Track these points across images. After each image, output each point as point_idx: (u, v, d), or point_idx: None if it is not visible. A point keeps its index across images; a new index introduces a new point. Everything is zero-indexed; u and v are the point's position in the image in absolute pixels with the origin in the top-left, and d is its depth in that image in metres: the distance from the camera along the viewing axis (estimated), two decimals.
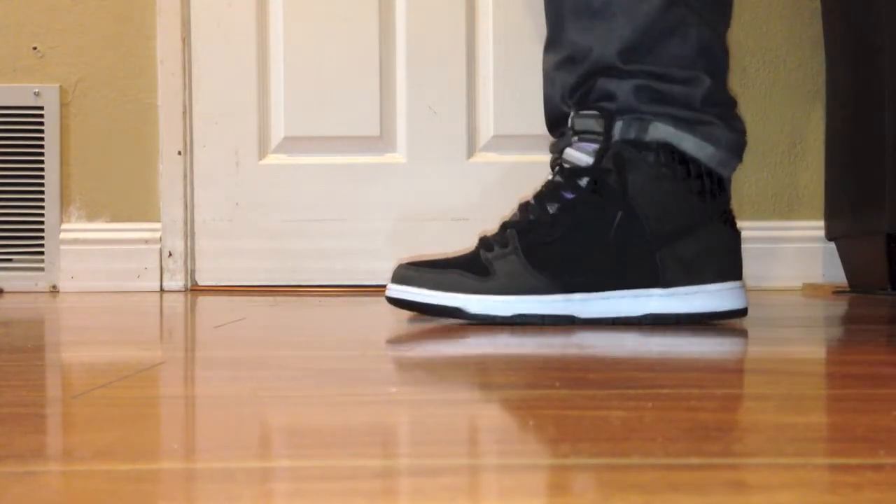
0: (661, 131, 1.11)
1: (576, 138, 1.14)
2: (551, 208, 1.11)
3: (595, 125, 1.12)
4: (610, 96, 1.12)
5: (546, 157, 1.30)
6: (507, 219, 1.16)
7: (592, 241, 1.09)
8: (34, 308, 1.56)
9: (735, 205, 1.26)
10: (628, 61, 1.11)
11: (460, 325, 1.09)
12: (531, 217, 1.12)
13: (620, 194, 1.09)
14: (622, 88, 1.12)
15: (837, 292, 1.78)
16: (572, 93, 1.15)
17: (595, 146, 1.12)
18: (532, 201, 1.14)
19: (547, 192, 1.13)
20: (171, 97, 2.01)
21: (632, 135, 1.11)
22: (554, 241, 1.09)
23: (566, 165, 1.13)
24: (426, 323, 1.12)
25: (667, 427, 0.48)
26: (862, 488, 0.37)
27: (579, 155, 1.12)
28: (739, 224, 1.17)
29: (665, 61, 1.11)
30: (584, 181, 1.11)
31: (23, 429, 0.51)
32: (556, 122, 1.25)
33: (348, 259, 1.99)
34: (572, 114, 1.15)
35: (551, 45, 1.23)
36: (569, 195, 1.11)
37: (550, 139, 1.32)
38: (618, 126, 1.11)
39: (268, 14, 2.03)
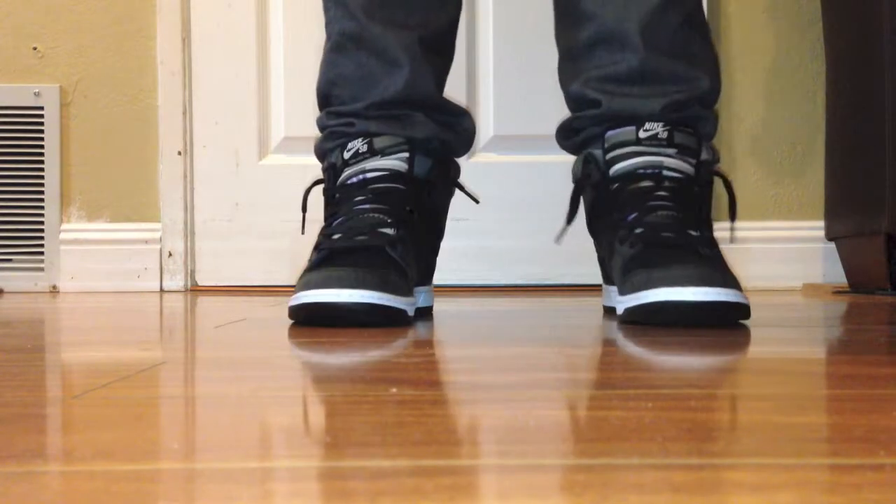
0: None
1: (673, 150, 1.15)
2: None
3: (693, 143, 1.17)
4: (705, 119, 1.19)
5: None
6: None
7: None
8: (34, 308, 1.57)
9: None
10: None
11: (460, 326, 1.09)
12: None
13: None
14: (711, 119, 1.21)
15: (837, 292, 1.78)
16: (666, 111, 1.16)
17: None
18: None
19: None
20: (171, 97, 2.01)
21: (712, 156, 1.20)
22: None
23: (676, 175, 1.14)
24: (425, 324, 1.12)
25: (667, 427, 0.48)
26: (862, 488, 0.37)
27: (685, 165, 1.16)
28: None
29: None
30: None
31: (23, 429, 0.51)
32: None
33: None
34: (665, 127, 1.15)
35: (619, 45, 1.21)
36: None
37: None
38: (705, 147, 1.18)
39: (268, 14, 2.03)
